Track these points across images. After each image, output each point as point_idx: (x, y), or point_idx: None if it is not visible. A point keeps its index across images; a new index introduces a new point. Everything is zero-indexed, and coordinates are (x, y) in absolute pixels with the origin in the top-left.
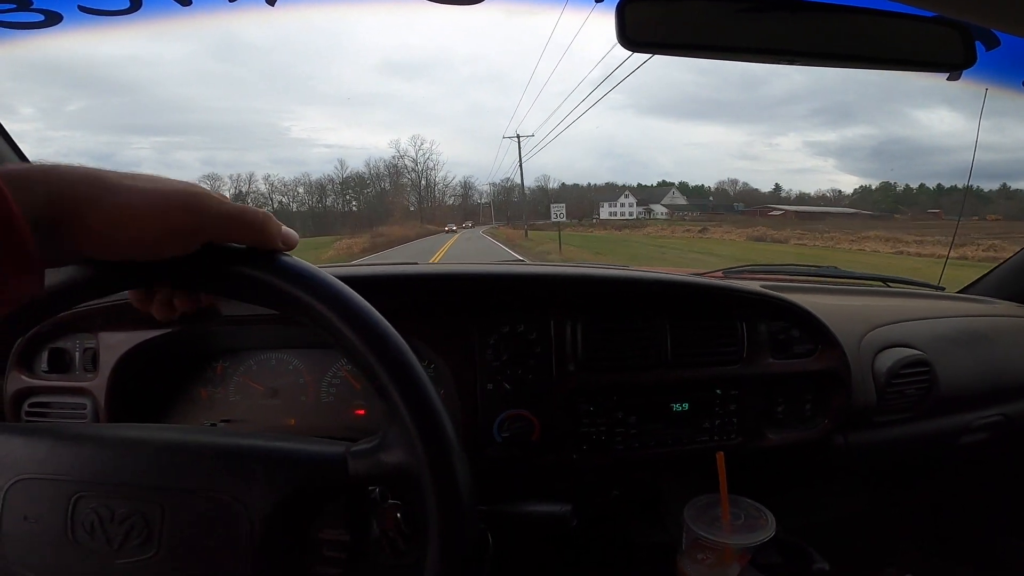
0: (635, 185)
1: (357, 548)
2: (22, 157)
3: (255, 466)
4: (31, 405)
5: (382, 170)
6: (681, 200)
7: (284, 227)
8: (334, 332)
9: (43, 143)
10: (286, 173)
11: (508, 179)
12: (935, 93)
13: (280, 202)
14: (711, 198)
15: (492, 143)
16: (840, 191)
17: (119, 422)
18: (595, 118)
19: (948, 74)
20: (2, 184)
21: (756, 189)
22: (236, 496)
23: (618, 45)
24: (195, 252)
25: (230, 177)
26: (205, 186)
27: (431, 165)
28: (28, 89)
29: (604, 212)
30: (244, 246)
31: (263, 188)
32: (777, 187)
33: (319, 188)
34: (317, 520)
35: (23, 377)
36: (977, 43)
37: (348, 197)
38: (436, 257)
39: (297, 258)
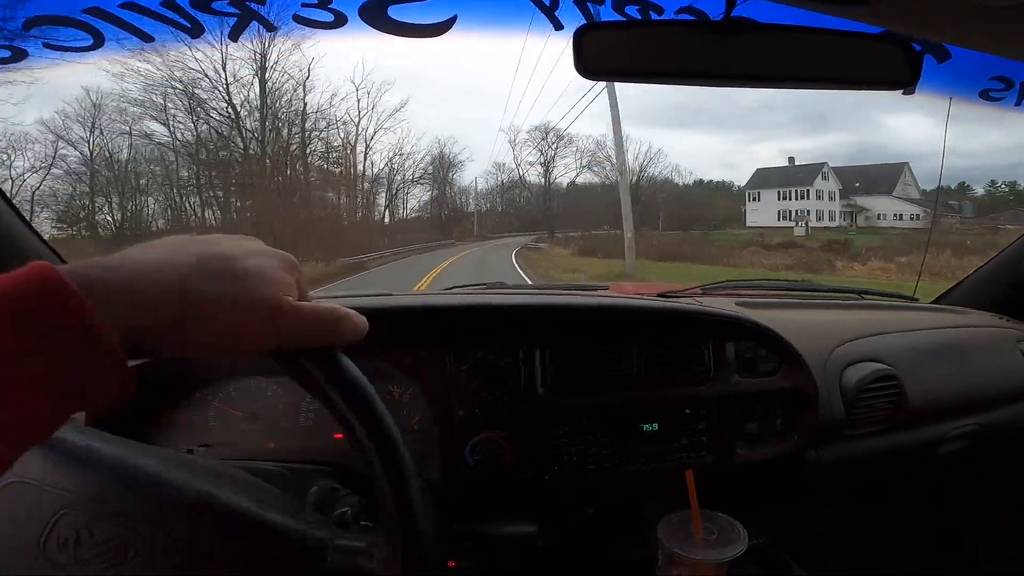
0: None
1: None
2: (22, 218)
3: (240, 533)
4: None
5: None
6: (913, 192)
7: (357, 316)
8: (358, 440)
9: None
10: None
11: (548, 128)
12: (910, 101)
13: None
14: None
15: (484, 157)
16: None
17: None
18: (581, 127)
19: (903, 90)
20: (82, 298)
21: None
22: (213, 555)
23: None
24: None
25: None
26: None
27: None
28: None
29: (759, 215)
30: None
31: None
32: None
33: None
34: None
35: None
36: (928, 56)
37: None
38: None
39: (350, 364)
